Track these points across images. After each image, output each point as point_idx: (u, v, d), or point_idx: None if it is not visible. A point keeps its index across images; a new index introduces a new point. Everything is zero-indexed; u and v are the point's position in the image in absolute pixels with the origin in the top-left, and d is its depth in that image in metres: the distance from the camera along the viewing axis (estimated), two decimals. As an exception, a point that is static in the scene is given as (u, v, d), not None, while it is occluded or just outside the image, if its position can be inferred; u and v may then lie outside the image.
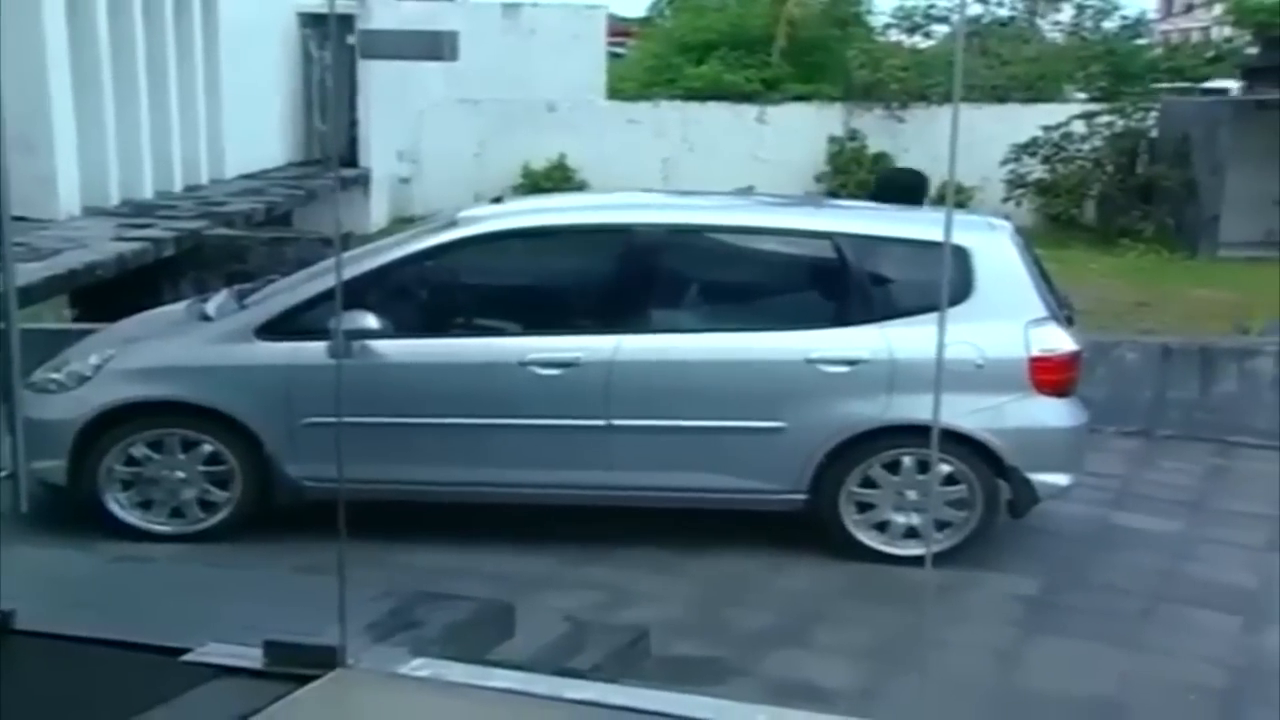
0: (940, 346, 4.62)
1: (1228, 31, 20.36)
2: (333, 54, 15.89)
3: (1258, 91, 17.29)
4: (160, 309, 7.71)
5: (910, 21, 22.23)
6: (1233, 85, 18.63)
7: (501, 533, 6.63)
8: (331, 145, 16.51)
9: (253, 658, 2.15)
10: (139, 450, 6.54)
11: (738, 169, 16.43)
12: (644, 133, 18.60)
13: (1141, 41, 23.18)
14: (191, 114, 13.28)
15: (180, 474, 6.57)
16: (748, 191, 12.45)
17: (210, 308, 7.00)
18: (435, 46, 2.62)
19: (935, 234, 6.07)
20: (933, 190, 8.93)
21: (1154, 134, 17.64)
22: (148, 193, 12.28)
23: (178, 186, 13.00)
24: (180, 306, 7.55)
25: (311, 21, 16.75)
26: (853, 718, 2.10)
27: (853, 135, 18.71)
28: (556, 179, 17.97)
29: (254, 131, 15.07)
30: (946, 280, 5.68)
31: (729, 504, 6.62)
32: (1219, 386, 9.40)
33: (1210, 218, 16.21)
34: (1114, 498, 7.73)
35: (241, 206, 12.56)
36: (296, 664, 2.09)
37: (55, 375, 6.66)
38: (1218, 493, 8.27)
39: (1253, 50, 18.47)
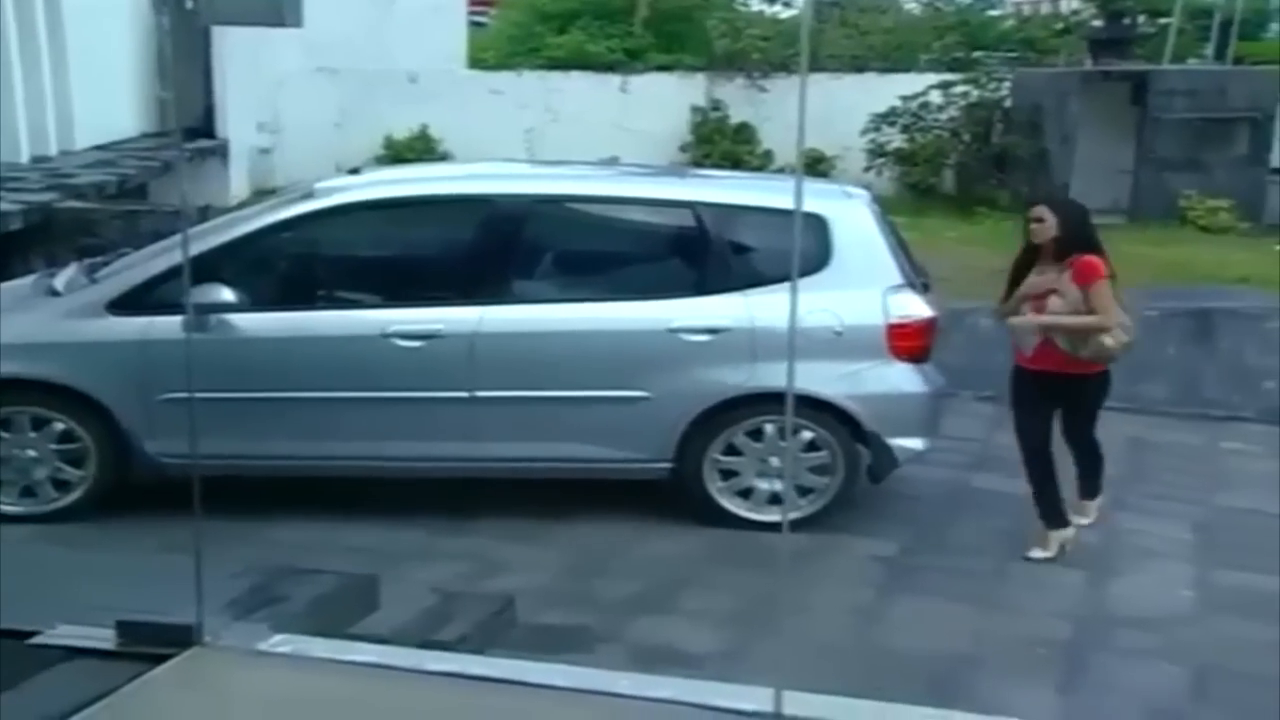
0: (793, 313, 4.68)
1: (1075, 4, 20.84)
2: (171, 18, 15.47)
3: (1103, 63, 17.78)
4: (7, 284, 7.46)
5: (771, -9, 22.35)
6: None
7: (367, 507, 6.58)
8: (175, 114, 16.06)
9: (105, 639, 2.11)
10: (-13, 429, 6.35)
11: (602, 139, 16.39)
12: (507, 103, 18.44)
13: (994, 13, 23.68)
14: (36, 82, 12.81)
15: (31, 453, 6.40)
16: (612, 162, 12.46)
17: (59, 282, 6.82)
18: (276, 12, 2.58)
19: (792, 203, 6.14)
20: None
21: (1008, 104, 18.01)
22: (-8, 164, 11.87)
23: (24, 157, 12.55)
24: (27, 281, 7.33)
25: (160, -14, 16.29)
26: (714, 681, 2.13)
27: (715, 105, 18.77)
28: (419, 149, 17.74)
29: (105, 100, 14.60)
30: (798, 248, 5.76)
31: (594, 473, 6.66)
32: (1069, 350, 9.65)
33: (1061, 185, 16.60)
34: (972, 461, 7.94)
35: (93, 178, 12.17)
36: (151, 643, 2.05)
37: (-105, 354, 6.43)
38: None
39: (1098, 23, 18.95)
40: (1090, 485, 6.81)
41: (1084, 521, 6.69)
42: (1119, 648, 5.56)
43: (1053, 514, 6.43)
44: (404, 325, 6.40)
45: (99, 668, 2.05)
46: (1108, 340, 6.12)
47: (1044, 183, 16.69)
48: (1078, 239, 6.20)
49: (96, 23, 14.17)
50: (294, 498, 6.53)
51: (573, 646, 5.17)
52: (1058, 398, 6.38)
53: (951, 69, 18.55)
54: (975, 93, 17.87)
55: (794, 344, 3.67)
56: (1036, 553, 6.41)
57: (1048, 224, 6.15)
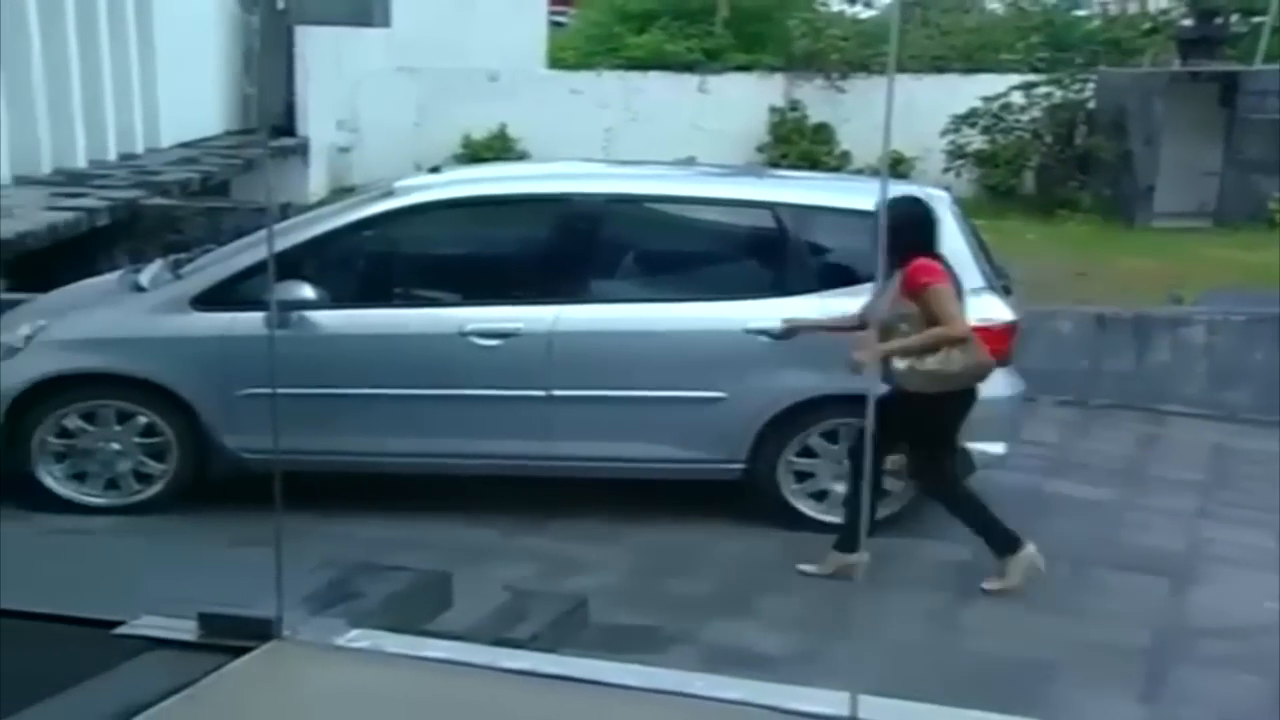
0: (877, 317, 4.64)
1: (1164, 3, 20.47)
2: (262, 18, 15.68)
3: (1192, 63, 17.48)
4: (93, 279, 7.61)
5: (851, -9, 22.23)
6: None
7: (441, 503, 6.62)
8: (263, 112, 16.27)
9: (187, 630, 2.13)
10: (73, 422, 6.47)
11: (679, 139, 16.39)
12: (586, 102, 18.50)
13: (1080, 13, 23.34)
14: (125, 81, 13.06)
15: (115, 446, 6.51)
16: (689, 162, 12.44)
17: (144, 278, 6.93)
18: (367, 12, 2.60)
19: (873, 204, 6.10)
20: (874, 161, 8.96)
21: (1092, 105, 17.77)
22: (81, 161, 12.07)
23: (112, 155, 12.79)
24: (113, 277, 7.46)
25: (247, -14, 16.52)
26: (789, 684, 2.12)
27: (794, 105, 18.70)
28: (497, 149, 17.84)
29: (191, 99, 14.84)
30: (883, 250, 5.69)
31: (668, 473, 6.65)
32: (1153, 356, 9.53)
33: (1145, 188, 16.37)
34: (1049, 466, 7.84)
35: (178, 175, 12.38)
36: (232, 636, 2.08)
37: (-14, 347, 6.57)
38: (1149, 460, 8.41)
39: (1188, 22, 18.63)
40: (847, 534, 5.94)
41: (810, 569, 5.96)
42: (1200, 658, 5.46)
43: (1000, 542, 5.91)
44: (482, 324, 6.44)
45: (180, 658, 2.07)
46: (956, 355, 5.52)
47: (1128, 185, 16.47)
48: (903, 241, 5.52)
49: (184, 23, 14.40)
50: (368, 494, 6.59)
51: (645, 647, 5.16)
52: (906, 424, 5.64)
53: (1034, 69, 18.33)
54: (1058, 93, 17.66)
55: (875, 347, 3.63)
56: (992, 584, 5.90)
57: None
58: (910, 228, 5.61)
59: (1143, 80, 17.42)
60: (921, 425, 5.76)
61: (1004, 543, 5.89)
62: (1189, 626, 5.82)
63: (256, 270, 6.35)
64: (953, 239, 6.63)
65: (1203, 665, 5.38)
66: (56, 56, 11.55)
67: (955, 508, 5.97)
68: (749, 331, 6.34)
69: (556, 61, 21.05)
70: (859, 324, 5.83)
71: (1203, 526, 6.96)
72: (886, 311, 5.64)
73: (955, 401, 5.74)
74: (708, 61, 19.73)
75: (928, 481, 6.06)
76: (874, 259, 6.17)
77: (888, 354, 5.55)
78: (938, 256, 5.78)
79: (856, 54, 18.49)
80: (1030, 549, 5.88)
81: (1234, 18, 18.45)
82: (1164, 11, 20.01)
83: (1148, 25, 20.08)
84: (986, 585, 5.90)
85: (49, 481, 6.48)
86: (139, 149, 13.45)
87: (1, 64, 10.50)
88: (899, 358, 5.58)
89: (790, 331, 6.13)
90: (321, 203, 12.25)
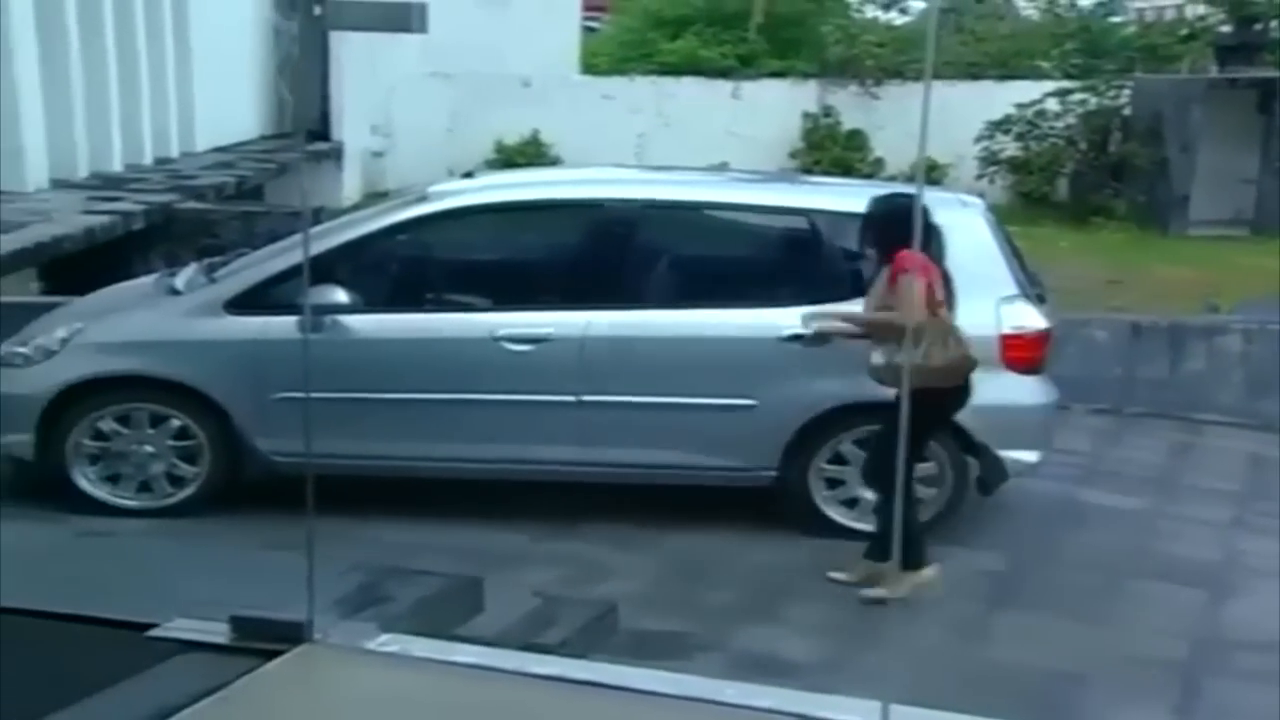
0: (909, 324, 4.62)
1: (1201, 9, 20.34)
2: (300, 24, 15.76)
3: (1230, 70, 17.36)
4: (128, 282, 7.66)
5: (886, -3, 22.18)
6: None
7: (471, 508, 6.63)
8: (298, 117, 16.37)
9: (219, 633, 2.14)
10: (107, 424, 6.52)
11: (712, 145, 16.40)
12: (619, 108, 18.53)
13: (1116, 19, 23.22)
14: (161, 85, 13.15)
15: (148, 448, 6.55)
16: (722, 167, 12.44)
17: (179, 281, 6.97)
18: (404, 18, 2.60)
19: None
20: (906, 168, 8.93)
21: (1127, 112, 17.67)
22: (117, 165, 12.17)
23: (148, 159, 12.89)
24: (149, 280, 7.51)
25: (282, -8, 16.62)
26: (817, 692, 2.11)
27: (827, 111, 18.68)
28: (530, 154, 17.89)
29: (225, 103, 14.94)
30: (917, 247, 5.66)
31: (699, 480, 6.64)
32: (1188, 364, 9.46)
33: (1181, 196, 16.26)
34: (1082, 475, 7.79)
35: (212, 179, 12.47)
36: (263, 639, 2.08)
37: (22, 349, 6.63)
38: (1184, 470, 8.35)
39: (1226, 28, 18.51)
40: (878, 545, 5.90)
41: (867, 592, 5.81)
42: (1236, 671, 5.41)
43: (914, 556, 5.76)
44: (514, 329, 6.45)
45: (213, 661, 2.08)
46: (936, 351, 5.47)
47: (1163, 192, 16.37)
48: (888, 237, 5.63)
49: (219, 28, 14.50)
50: (399, 498, 6.61)
51: (673, 654, 5.16)
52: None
53: (1069, 76, 18.25)
54: (1093, 100, 17.58)
55: (909, 354, 3.61)
56: (875, 591, 5.76)
57: None
58: (894, 224, 5.61)
59: (1180, 87, 17.32)
60: (930, 418, 5.69)
61: (917, 557, 5.74)
62: (1224, 639, 5.77)
63: (290, 274, 6.37)
64: (987, 246, 6.62)
65: (1238, 679, 5.33)
66: (95, 62, 11.65)
67: (889, 503, 5.71)
68: (783, 340, 6.32)
69: (589, 67, 21.11)
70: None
71: (1238, 537, 6.90)
72: (876, 302, 5.66)
73: (937, 399, 5.59)
74: (741, 67, 19.74)
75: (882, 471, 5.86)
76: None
77: (834, 330, 5.75)
78: (930, 252, 5.68)
79: (891, 60, 18.45)
80: (931, 571, 5.73)
81: (1273, 24, 18.32)
82: (1202, 18, 19.89)
83: (1185, 31, 19.95)
84: (869, 593, 5.75)
85: (83, 484, 6.52)
86: (174, 153, 13.55)
87: (41, 69, 10.59)
88: (879, 353, 5.56)
89: (821, 338, 6.08)
90: (355, 207, 12.31)
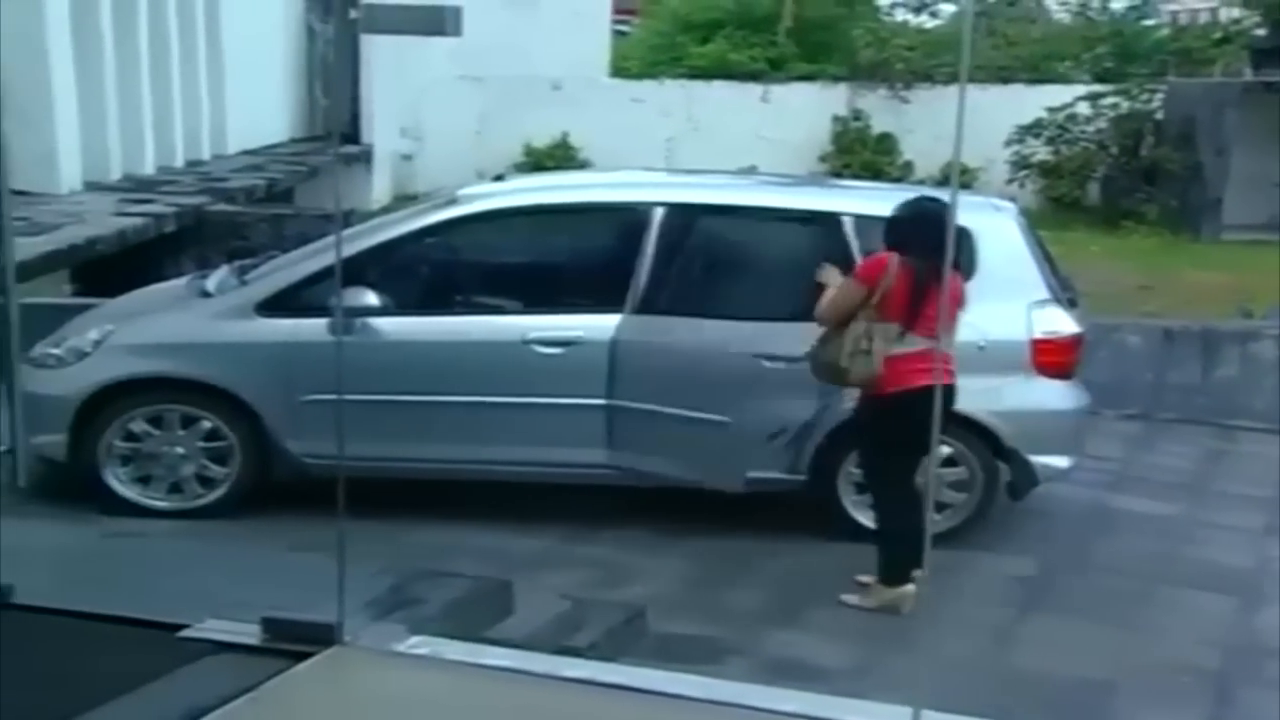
0: (942, 329, 4.61)
1: (1235, 13, 20.20)
2: (335, 28, 15.84)
3: (1265, 73, 17.24)
4: (160, 284, 7.71)
5: (917, 1, 22.13)
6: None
7: (498, 510, 6.64)
8: (333, 121, 16.44)
9: (250, 634, 2.15)
10: (138, 426, 6.55)
11: (742, 148, 16.39)
12: (648, 111, 18.53)
13: (1149, 22, 23.08)
14: (194, 88, 13.23)
15: (179, 450, 6.57)
16: (751, 171, 12.43)
17: (211, 284, 7.00)
18: (438, 21, 2.61)
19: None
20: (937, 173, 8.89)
21: (1159, 116, 17.57)
22: (149, 168, 12.24)
23: (179, 161, 12.96)
24: (180, 282, 7.55)
25: (314, -5, 16.70)
26: (845, 697, 2.11)
27: (857, 115, 18.63)
28: (559, 157, 17.92)
29: (257, 106, 15.02)
30: (949, 260, 5.63)
31: (728, 487, 6.60)
32: (1220, 370, 9.40)
33: (1214, 200, 16.16)
34: (1113, 480, 7.75)
35: (243, 182, 12.53)
36: (294, 640, 2.09)
37: (55, 350, 6.66)
38: (1216, 476, 8.29)
39: (1261, 31, 18.38)
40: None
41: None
42: (1268, 679, 5.36)
43: (899, 573, 5.66)
44: (544, 332, 6.45)
45: (244, 662, 2.09)
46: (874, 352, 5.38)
47: (1196, 196, 16.26)
48: (910, 238, 5.56)
49: (251, 32, 14.58)
50: (428, 500, 6.62)
51: (702, 658, 5.15)
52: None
53: (1101, 80, 18.15)
54: (1125, 104, 17.49)
55: (939, 361, 3.61)
56: (852, 598, 5.78)
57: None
58: (920, 227, 5.49)
59: (1214, 90, 17.21)
60: (871, 426, 5.69)
61: (902, 575, 5.64)
62: (1257, 646, 5.72)
63: (321, 277, 6.40)
64: (1019, 250, 6.59)
65: (1271, 687, 5.28)
66: (128, 64, 11.72)
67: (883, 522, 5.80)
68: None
69: (619, 70, 21.12)
70: None
71: (1270, 544, 6.84)
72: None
73: (890, 406, 5.44)
74: (771, 71, 19.72)
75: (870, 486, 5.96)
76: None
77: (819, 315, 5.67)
78: (958, 257, 5.68)
79: (921, 64, 18.41)
80: (910, 588, 5.58)
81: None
82: (1236, 21, 19.77)
83: (1219, 34, 19.83)
84: (846, 598, 5.76)
85: (115, 484, 6.56)
86: (206, 156, 13.62)
87: (75, 71, 10.67)
88: (846, 355, 5.49)
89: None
90: (385, 210, 12.36)
